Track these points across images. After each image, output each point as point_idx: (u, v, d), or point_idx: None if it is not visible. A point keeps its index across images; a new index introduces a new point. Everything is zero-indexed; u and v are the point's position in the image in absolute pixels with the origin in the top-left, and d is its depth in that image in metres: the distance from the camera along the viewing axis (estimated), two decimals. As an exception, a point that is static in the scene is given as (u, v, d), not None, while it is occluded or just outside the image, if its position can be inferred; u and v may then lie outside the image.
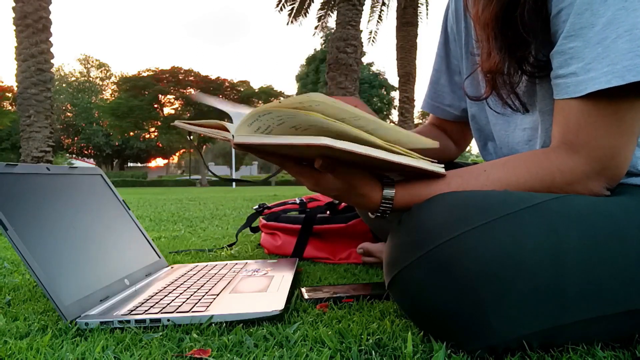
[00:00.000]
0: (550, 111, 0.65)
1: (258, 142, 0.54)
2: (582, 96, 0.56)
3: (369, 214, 0.66)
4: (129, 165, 45.68)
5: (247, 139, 0.55)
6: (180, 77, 33.13)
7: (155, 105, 33.75)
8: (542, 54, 0.62)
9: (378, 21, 14.59)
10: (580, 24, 0.55)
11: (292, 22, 13.81)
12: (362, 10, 7.42)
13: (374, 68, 30.43)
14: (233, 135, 0.57)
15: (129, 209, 1.00)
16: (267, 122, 0.55)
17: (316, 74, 28.21)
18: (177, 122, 0.68)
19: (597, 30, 0.54)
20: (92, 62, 46.98)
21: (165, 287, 0.83)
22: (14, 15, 7.19)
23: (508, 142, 0.76)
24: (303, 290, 0.84)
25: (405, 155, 0.55)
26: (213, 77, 33.44)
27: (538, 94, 0.66)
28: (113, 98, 37.97)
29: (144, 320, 0.65)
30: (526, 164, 0.60)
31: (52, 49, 7.38)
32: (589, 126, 0.57)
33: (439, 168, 0.59)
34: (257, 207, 1.50)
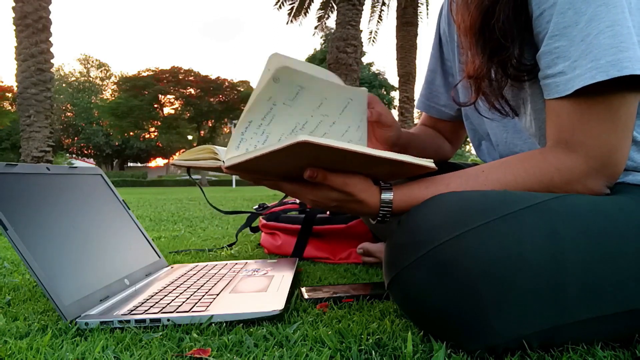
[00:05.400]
0: (542, 110, 0.65)
1: (244, 159, 0.55)
2: (572, 94, 0.56)
3: (370, 220, 0.66)
4: (129, 165, 45.66)
5: (234, 160, 0.57)
6: (180, 77, 33.17)
7: (155, 105, 33.80)
8: (526, 57, 0.62)
9: (378, 21, 14.60)
10: (564, 22, 0.55)
11: (291, 21, 13.81)
12: (362, 10, 7.43)
13: (374, 68, 30.41)
14: (224, 161, 0.58)
15: (129, 209, 1.00)
16: (253, 142, 0.56)
17: (316, 73, 28.12)
18: (175, 161, 0.69)
19: (581, 27, 0.54)
20: (92, 62, 46.97)
21: (165, 287, 0.83)
22: (14, 15, 7.19)
23: (506, 138, 0.76)
24: (303, 290, 0.84)
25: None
26: (213, 77, 33.49)
27: (528, 92, 0.67)
28: (113, 98, 37.99)
29: (144, 320, 0.65)
30: (524, 164, 0.60)
31: (52, 49, 7.38)
32: (583, 125, 0.57)
33: (427, 162, 0.59)
34: (257, 207, 1.50)
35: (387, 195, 0.61)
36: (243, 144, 0.58)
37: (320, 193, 0.61)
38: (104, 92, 45.30)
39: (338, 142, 0.51)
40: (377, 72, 30.15)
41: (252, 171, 0.61)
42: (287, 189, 0.64)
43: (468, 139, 0.92)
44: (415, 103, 1.01)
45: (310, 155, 0.54)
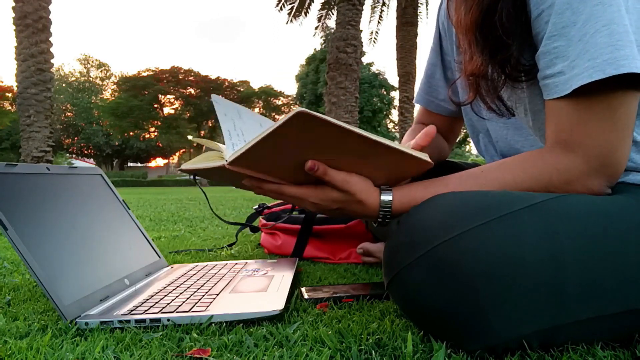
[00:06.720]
0: (540, 111, 0.65)
1: (246, 149, 0.56)
2: (571, 94, 0.56)
3: (372, 223, 0.66)
4: (129, 165, 45.62)
5: (236, 154, 0.57)
6: (180, 77, 33.20)
7: (155, 105, 33.82)
8: (525, 57, 0.62)
9: (378, 21, 14.59)
10: (562, 23, 0.56)
11: (291, 21, 13.80)
12: (362, 10, 7.43)
13: (374, 68, 30.39)
14: (226, 160, 0.60)
15: (129, 209, 1.00)
16: (241, 143, 0.59)
17: (316, 73, 28.17)
18: (183, 167, 0.72)
19: (579, 27, 0.55)
20: (92, 62, 46.91)
21: (165, 287, 0.83)
22: (14, 15, 7.19)
23: (506, 135, 0.76)
24: (303, 290, 0.84)
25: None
26: (213, 77, 33.52)
27: (526, 94, 0.67)
28: (113, 98, 37.98)
29: (144, 320, 0.65)
30: (522, 165, 0.60)
31: (52, 49, 7.38)
32: (582, 124, 0.57)
33: (422, 155, 0.59)
34: (257, 207, 1.50)
35: (386, 197, 0.61)
36: (237, 145, 0.60)
37: (322, 193, 0.62)
38: (104, 92, 45.22)
39: (337, 121, 0.52)
40: (377, 72, 30.13)
41: (254, 166, 0.62)
42: (289, 193, 0.64)
43: (468, 139, 0.92)
44: (415, 97, 1.00)
45: (308, 140, 0.54)
